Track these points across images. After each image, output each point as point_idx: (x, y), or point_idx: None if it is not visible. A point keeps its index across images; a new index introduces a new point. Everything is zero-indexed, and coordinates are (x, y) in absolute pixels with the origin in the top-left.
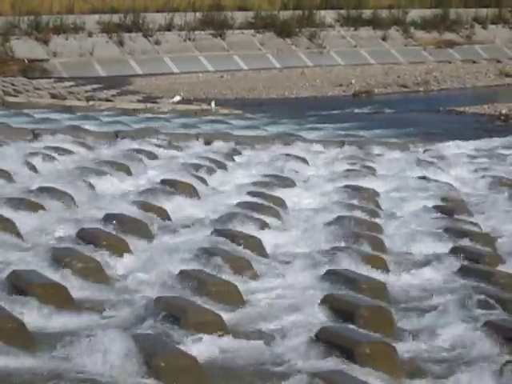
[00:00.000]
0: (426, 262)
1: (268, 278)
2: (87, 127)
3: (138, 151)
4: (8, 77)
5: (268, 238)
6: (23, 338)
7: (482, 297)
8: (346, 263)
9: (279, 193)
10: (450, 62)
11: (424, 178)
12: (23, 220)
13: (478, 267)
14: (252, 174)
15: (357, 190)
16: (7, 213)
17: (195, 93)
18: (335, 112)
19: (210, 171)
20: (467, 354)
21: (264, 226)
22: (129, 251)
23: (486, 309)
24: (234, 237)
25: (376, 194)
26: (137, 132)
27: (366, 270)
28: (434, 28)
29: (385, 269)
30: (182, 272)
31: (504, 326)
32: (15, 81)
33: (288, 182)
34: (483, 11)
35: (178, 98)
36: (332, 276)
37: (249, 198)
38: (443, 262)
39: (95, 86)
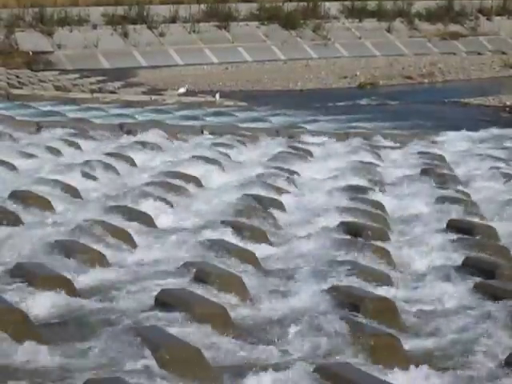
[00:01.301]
0: None
1: None
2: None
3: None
4: (13, 69)
5: None
6: None
7: None
8: None
9: None
10: (454, 54)
11: (428, 170)
12: None
13: None
14: None
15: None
16: None
17: (200, 85)
18: (340, 104)
19: None
20: None
21: None
22: None
23: None
24: None
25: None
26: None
27: None
28: (439, 19)
29: None
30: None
31: None
32: (20, 73)
33: None
34: (488, 3)
35: (182, 90)
36: None
37: None
38: None
39: (100, 78)
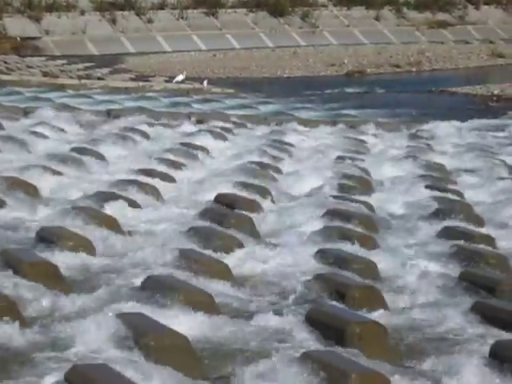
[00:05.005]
0: None
1: None
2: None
3: None
4: (0, 55)
5: None
6: None
7: None
8: None
9: None
10: (442, 43)
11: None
12: None
13: None
14: None
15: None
16: None
17: (187, 71)
18: (328, 91)
19: None
20: None
21: None
22: None
23: None
24: None
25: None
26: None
27: None
28: (427, 8)
29: None
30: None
31: None
32: (7, 59)
33: None
34: None
35: (181, 77)
36: None
37: None
38: None
39: (87, 64)
